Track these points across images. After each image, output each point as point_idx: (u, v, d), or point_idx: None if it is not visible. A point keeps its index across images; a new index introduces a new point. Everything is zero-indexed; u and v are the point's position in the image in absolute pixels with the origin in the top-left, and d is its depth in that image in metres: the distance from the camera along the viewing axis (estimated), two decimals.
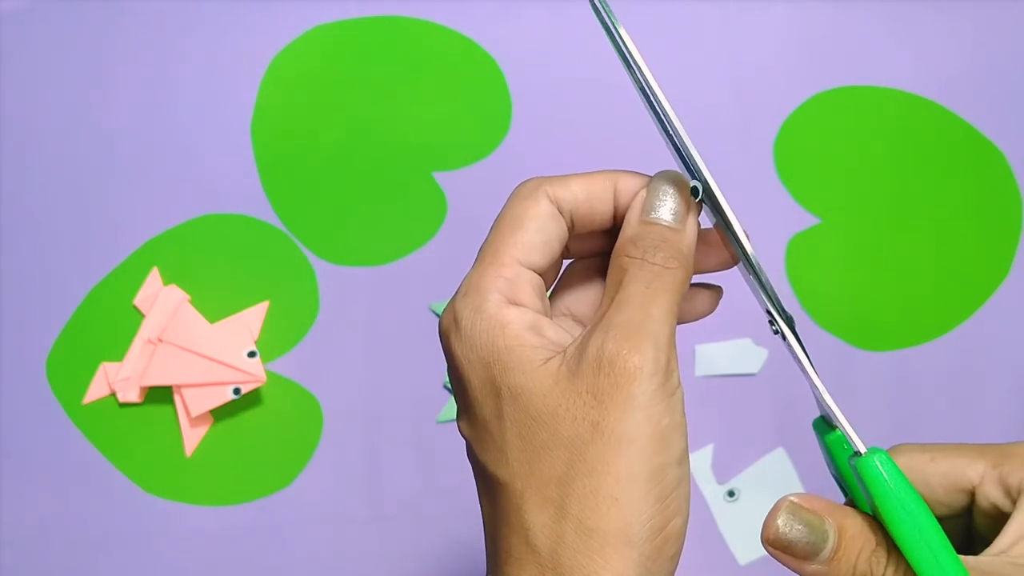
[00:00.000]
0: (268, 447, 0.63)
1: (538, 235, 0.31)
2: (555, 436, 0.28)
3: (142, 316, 0.64)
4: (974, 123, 0.65)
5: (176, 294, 0.63)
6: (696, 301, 0.34)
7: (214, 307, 0.64)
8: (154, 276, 0.64)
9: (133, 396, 0.62)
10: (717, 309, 0.34)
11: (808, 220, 0.65)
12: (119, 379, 0.62)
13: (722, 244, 0.32)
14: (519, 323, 0.29)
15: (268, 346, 0.63)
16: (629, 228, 0.31)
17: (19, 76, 0.66)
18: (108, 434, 0.63)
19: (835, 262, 0.64)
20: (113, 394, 0.63)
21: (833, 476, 0.34)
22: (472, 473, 0.31)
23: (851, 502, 0.33)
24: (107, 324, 0.64)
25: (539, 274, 0.31)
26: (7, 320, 0.64)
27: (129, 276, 0.64)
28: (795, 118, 0.66)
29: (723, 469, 0.62)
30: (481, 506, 0.31)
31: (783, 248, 0.64)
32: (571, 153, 0.65)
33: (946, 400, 0.63)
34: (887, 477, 0.29)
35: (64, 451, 0.63)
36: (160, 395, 0.63)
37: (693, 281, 0.33)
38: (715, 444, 0.62)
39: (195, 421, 0.62)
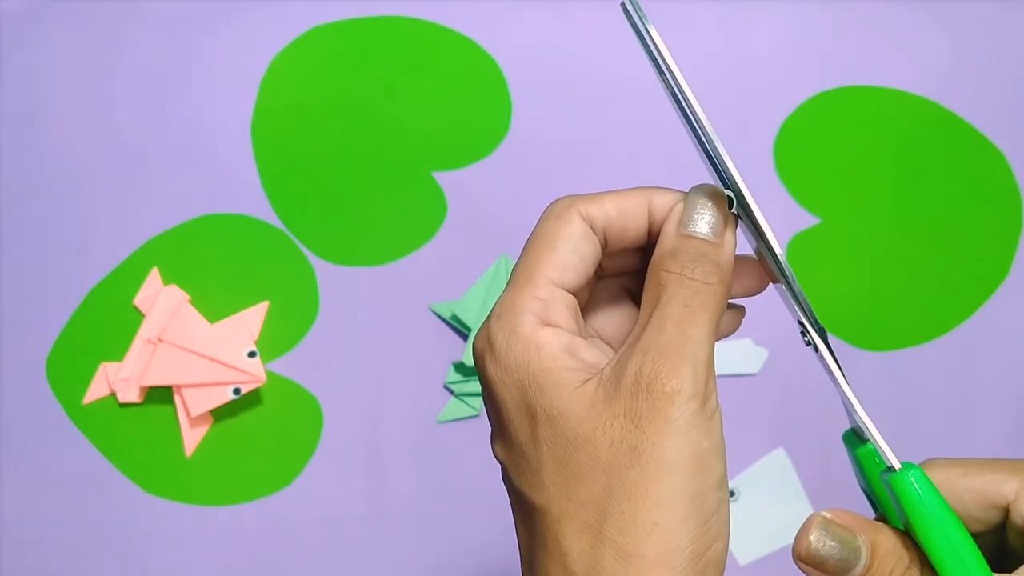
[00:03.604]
0: (268, 447, 0.63)
1: (572, 255, 0.30)
2: (592, 460, 0.27)
3: (142, 316, 0.63)
4: (974, 123, 0.65)
5: (176, 294, 0.63)
6: (720, 321, 0.33)
7: (214, 307, 0.64)
8: (154, 276, 0.64)
9: (133, 396, 0.62)
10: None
11: (808, 220, 0.65)
12: (119, 379, 0.62)
13: (748, 271, 0.32)
14: (554, 345, 0.29)
15: (268, 346, 0.63)
16: (666, 241, 0.30)
17: (19, 76, 0.66)
18: (108, 434, 0.63)
19: (835, 262, 0.64)
20: (113, 394, 0.63)
21: (863, 489, 0.33)
22: (507, 495, 0.31)
23: (882, 517, 0.32)
24: (107, 324, 0.64)
25: (573, 294, 0.31)
26: (7, 320, 0.64)
27: (129, 276, 0.64)
28: (795, 118, 0.66)
29: None
30: (517, 531, 0.30)
31: (783, 248, 0.64)
32: (571, 153, 0.65)
33: (946, 400, 0.63)
34: (921, 494, 0.28)
35: (64, 451, 0.63)
36: (160, 395, 0.63)
37: None
38: None
39: (195, 421, 0.62)
